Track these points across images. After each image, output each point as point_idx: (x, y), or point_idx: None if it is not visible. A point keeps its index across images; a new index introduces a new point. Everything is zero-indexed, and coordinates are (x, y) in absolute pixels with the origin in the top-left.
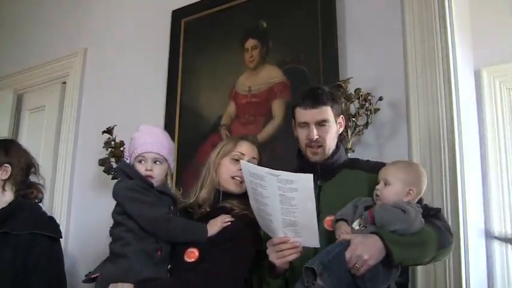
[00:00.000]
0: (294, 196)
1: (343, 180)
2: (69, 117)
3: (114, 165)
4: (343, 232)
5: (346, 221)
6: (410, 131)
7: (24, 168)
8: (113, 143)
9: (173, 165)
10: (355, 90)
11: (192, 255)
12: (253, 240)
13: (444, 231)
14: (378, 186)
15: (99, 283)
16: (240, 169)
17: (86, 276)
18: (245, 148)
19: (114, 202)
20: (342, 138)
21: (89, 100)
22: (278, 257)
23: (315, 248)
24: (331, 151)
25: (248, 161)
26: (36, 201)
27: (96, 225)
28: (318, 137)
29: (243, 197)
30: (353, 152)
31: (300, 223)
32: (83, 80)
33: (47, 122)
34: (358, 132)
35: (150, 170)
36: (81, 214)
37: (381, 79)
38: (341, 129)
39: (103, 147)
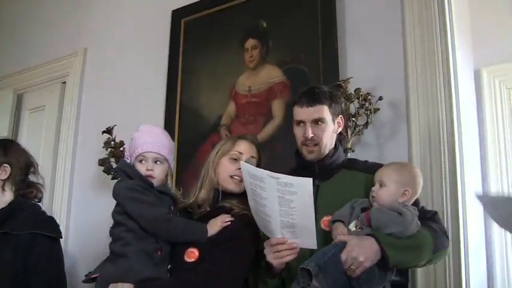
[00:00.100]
0: (293, 199)
1: (340, 181)
2: (69, 117)
3: (114, 165)
4: (339, 233)
5: (343, 222)
6: (410, 130)
7: (23, 167)
8: (112, 143)
9: (173, 165)
10: (355, 90)
11: (192, 255)
12: (253, 240)
13: (440, 235)
14: (373, 188)
15: (99, 283)
16: (239, 168)
17: (86, 276)
18: (243, 147)
19: (114, 202)
20: (341, 138)
21: (88, 100)
22: (275, 258)
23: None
24: (327, 150)
25: (246, 160)
26: (36, 200)
27: (96, 225)
28: (313, 135)
29: (243, 196)
30: (353, 152)
31: (298, 225)
32: (83, 79)
33: (46, 121)
34: (358, 132)
35: (151, 169)
36: (81, 214)
37: (380, 79)
38: (339, 129)
39: (103, 147)
